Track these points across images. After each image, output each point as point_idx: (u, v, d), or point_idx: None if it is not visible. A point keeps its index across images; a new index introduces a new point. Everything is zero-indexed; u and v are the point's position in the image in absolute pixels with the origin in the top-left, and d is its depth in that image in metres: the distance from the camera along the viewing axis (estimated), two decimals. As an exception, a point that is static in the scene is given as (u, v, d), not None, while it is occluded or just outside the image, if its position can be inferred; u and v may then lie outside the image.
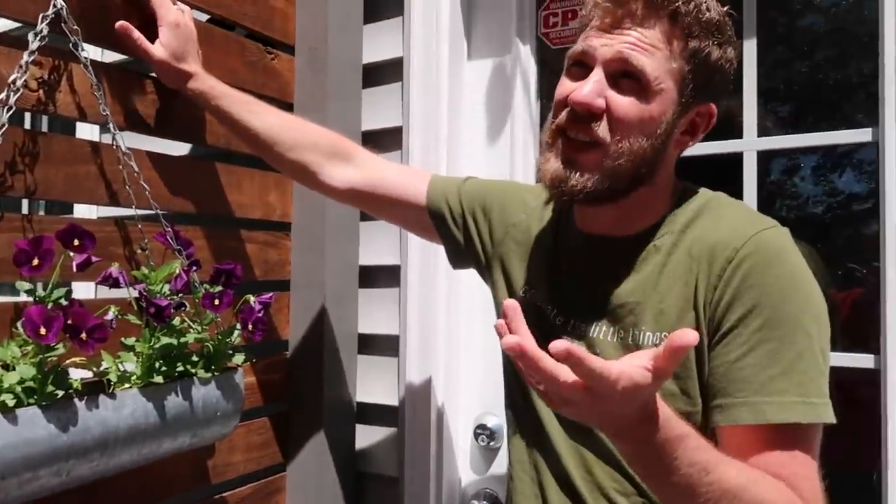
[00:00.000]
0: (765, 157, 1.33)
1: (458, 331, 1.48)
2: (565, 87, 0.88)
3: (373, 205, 1.20)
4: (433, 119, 1.44)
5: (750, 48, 1.31)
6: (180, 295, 0.99)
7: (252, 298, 1.11)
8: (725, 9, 0.88)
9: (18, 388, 0.84)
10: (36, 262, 0.85)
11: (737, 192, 1.29)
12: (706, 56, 0.85)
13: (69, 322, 0.85)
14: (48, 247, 0.86)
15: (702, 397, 0.84)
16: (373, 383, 1.53)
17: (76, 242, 0.89)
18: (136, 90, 1.16)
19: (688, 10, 0.83)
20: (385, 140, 1.52)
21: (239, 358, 1.09)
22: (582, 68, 0.87)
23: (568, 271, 0.98)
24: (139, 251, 1.08)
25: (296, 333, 1.48)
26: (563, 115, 0.87)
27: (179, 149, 1.48)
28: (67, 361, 0.95)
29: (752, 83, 1.30)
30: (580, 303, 0.94)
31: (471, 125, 1.51)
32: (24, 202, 1.95)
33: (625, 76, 0.84)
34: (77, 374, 0.95)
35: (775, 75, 1.40)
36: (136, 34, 1.09)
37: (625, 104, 0.84)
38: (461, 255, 1.15)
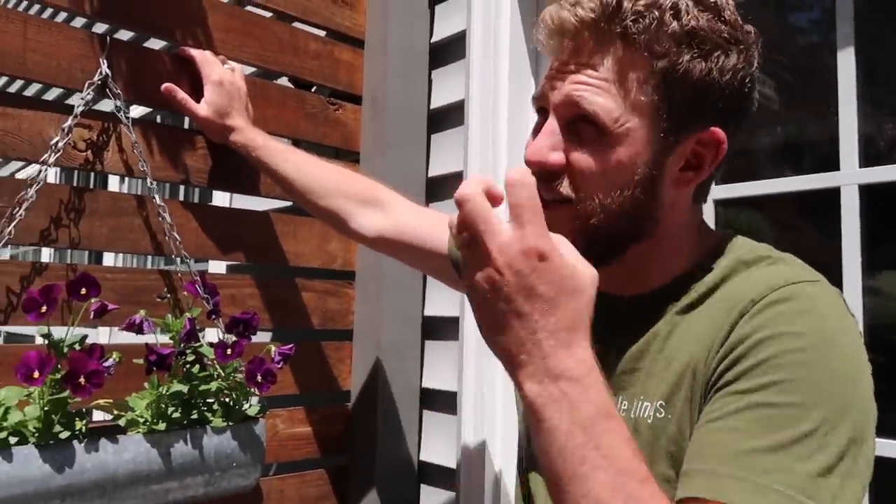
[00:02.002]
0: (871, 192, 1.07)
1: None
2: (527, 142, 0.77)
3: (402, 252, 1.15)
4: (490, 163, 1.37)
5: (846, 60, 1.09)
6: (182, 344, 1.00)
7: (273, 349, 1.10)
8: (722, 2, 0.71)
9: (31, 426, 0.89)
10: (44, 309, 0.90)
11: (835, 233, 1.07)
12: (683, 75, 0.68)
13: (70, 367, 0.89)
14: (55, 295, 0.91)
15: None
16: (436, 441, 1.46)
17: (83, 291, 0.94)
18: (186, 146, 1.22)
19: (643, 27, 0.68)
20: (448, 186, 1.48)
21: (253, 409, 1.08)
22: (543, 117, 0.76)
23: None
24: (158, 299, 1.12)
25: (357, 384, 1.46)
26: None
27: (265, 202, 1.54)
28: (93, 404, 1.00)
29: (851, 102, 1.07)
30: None
31: (539, 167, 1.42)
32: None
33: (581, 121, 0.71)
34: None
35: (881, 91, 1.15)
36: (181, 94, 1.16)
37: (582, 157, 0.71)
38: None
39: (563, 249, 0.58)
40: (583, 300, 0.57)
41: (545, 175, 0.72)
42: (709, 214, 1.23)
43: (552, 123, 0.73)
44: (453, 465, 1.39)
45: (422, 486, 1.46)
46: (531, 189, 0.56)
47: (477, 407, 1.34)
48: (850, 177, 1.07)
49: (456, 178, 1.45)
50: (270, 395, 1.31)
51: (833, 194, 1.09)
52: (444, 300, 1.46)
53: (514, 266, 0.55)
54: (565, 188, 0.72)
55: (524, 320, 0.56)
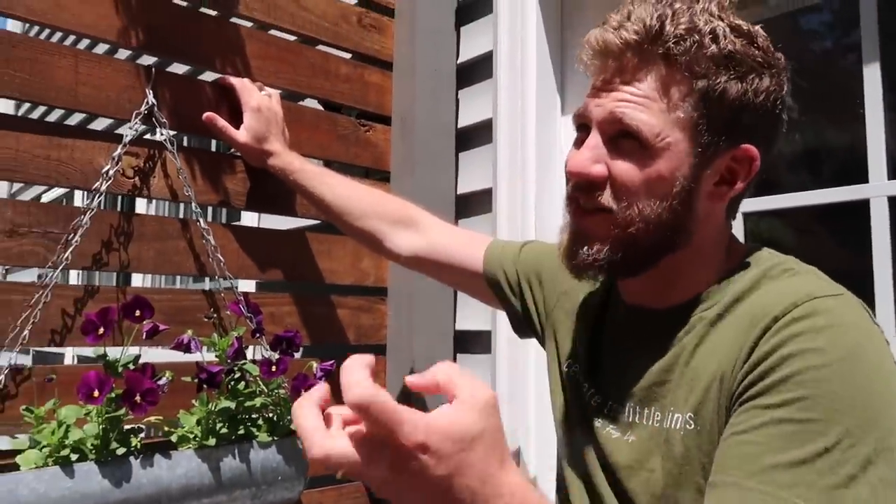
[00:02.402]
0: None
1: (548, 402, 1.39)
2: (569, 154, 0.80)
3: (435, 271, 1.18)
4: (519, 179, 1.40)
5: (872, 74, 1.11)
6: (230, 361, 1.04)
7: (315, 366, 1.14)
8: (755, 31, 0.75)
9: (89, 443, 0.93)
10: (101, 331, 0.95)
11: (866, 245, 1.08)
12: (721, 94, 0.72)
13: (126, 386, 0.93)
14: (112, 317, 0.95)
15: None
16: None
17: (137, 313, 0.98)
18: (227, 171, 1.27)
19: (684, 49, 0.72)
20: (477, 203, 1.51)
21: (297, 423, 1.11)
22: (585, 132, 0.79)
23: (610, 346, 0.88)
24: (205, 319, 1.17)
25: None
26: (570, 185, 0.80)
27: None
28: (145, 421, 1.04)
29: (878, 115, 1.09)
30: (617, 382, 0.83)
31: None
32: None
33: (623, 136, 0.75)
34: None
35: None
36: (221, 123, 1.21)
37: (625, 168, 0.74)
38: (521, 323, 1.08)
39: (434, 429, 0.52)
40: (476, 454, 0.52)
41: (586, 186, 0.76)
42: (737, 227, 1.25)
43: (595, 137, 0.76)
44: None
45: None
46: (378, 404, 0.50)
47: (511, 419, 1.37)
48: (879, 189, 1.09)
49: (486, 194, 1.49)
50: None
51: (864, 205, 1.11)
52: (475, 315, 1.49)
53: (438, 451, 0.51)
54: (606, 199, 0.76)
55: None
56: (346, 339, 1.43)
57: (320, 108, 1.55)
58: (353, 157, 1.47)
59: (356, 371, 0.53)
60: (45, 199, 5.19)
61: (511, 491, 0.54)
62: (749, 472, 0.62)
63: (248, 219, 2.27)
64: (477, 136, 1.54)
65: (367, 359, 0.54)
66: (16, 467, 0.89)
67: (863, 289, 1.07)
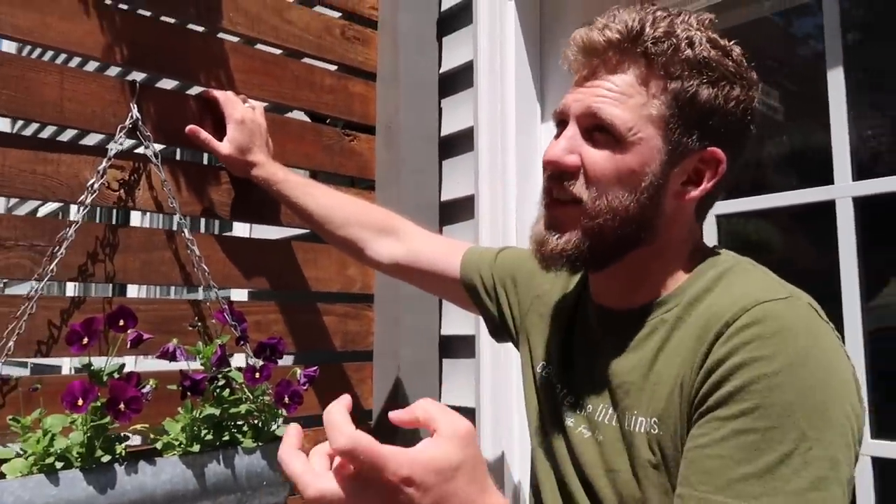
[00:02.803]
0: (866, 204, 1.11)
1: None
2: (547, 147, 0.83)
3: (416, 278, 1.21)
4: (500, 185, 1.42)
5: (836, 78, 1.13)
6: (214, 369, 1.06)
7: (298, 372, 1.16)
8: (730, 46, 0.79)
9: (74, 451, 0.95)
10: (85, 340, 0.97)
11: (831, 246, 1.10)
12: (692, 97, 0.76)
13: (111, 395, 0.96)
14: (96, 327, 0.98)
15: None
16: (457, 456, 1.50)
17: (121, 322, 1.00)
18: (212, 182, 1.29)
19: (661, 50, 0.76)
20: (461, 209, 1.54)
21: (281, 430, 1.13)
22: (563, 127, 0.82)
23: (581, 346, 0.90)
24: (189, 328, 1.19)
25: (379, 403, 1.51)
26: (545, 175, 0.83)
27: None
28: (130, 429, 1.06)
29: (842, 117, 1.12)
30: (587, 381, 0.86)
31: (547, 189, 1.47)
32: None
33: (598, 129, 0.78)
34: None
35: (869, 106, 1.20)
36: (204, 135, 1.23)
37: (598, 158, 0.78)
38: (497, 327, 1.11)
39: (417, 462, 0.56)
40: (458, 483, 0.57)
41: (559, 175, 0.80)
42: (710, 229, 1.28)
43: (572, 129, 0.80)
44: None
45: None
46: (362, 447, 0.55)
47: (494, 422, 1.38)
48: (844, 190, 1.11)
49: (469, 200, 1.51)
50: (296, 416, 1.37)
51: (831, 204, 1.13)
52: (459, 320, 1.51)
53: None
54: (578, 188, 0.79)
55: None
56: (334, 346, 1.46)
57: (307, 119, 1.57)
58: (338, 166, 1.49)
59: (337, 417, 0.57)
60: (42, 212, 5.21)
61: None
62: (716, 487, 0.65)
63: (240, 229, 2.30)
64: (460, 143, 1.56)
65: (345, 401, 0.60)
66: (1, 476, 0.91)
67: (831, 287, 1.10)
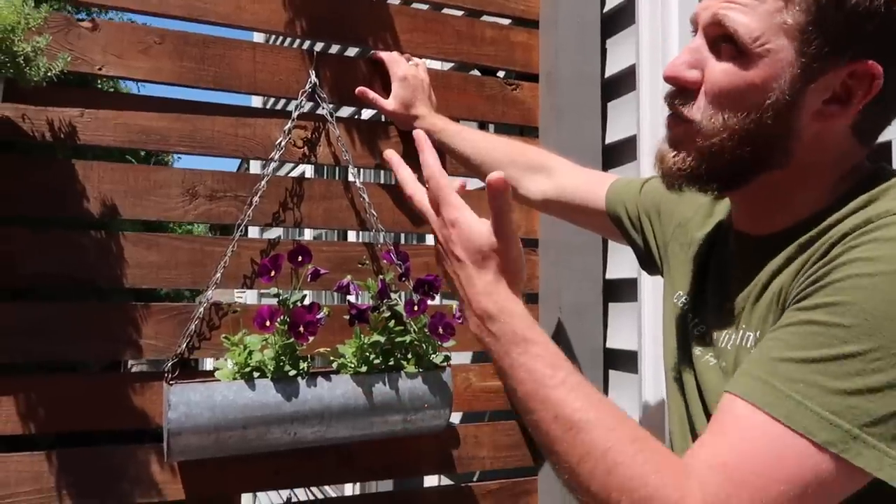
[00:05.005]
0: None
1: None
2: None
3: (565, 212, 1.23)
4: (660, 124, 1.37)
5: None
6: (375, 300, 1.20)
7: (455, 306, 1.26)
8: None
9: (269, 365, 1.15)
10: (272, 273, 1.16)
11: None
12: (838, 1, 0.66)
13: (292, 319, 1.13)
14: (280, 262, 1.16)
15: None
16: (622, 402, 1.51)
17: (300, 258, 1.17)
18: (381, 136, 1.43)
19: None
20: (623, 151, 1.51)
21: (438, 357, 1.25)
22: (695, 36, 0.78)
23: (715, 275, 0.87)
24: (360, 266, 1.33)
25: (544, 344, 1.56)
26: (667, 91, 0.79)
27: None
28: (315, 351, 1.25)
29: None
30: (715, 309, 0.83)
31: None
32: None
33: (724, 40, 0.72)
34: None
35: None
36: (371, 94, 1.36)
37: (718, 72, 0.72)
38: (644, 259, 1.10)
39: (467, 216, 0.75)
40: (490, 260, 0.73)
41: (681, 91, 0.76)
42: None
43: (697, 41, 0.75)
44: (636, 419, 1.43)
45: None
46: (436, 179, 0.77)
47: (656, 366, 1.37)
48: None
49: (631, 141, 1.48)
50: (464, 350, 1.48)
51: None
52: (625, 263, 1.50)
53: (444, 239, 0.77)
54: (697, 104, 0.74)
55: (452, 279, 0.78)
56: (498, 288, 1.53)
57: (476, 73, 1.64)
58: (501, 115, 1.55)
59: (430, 155, 0.79)
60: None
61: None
62: (758, 363, 0.63)
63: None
64: (625, 84, 1.53)
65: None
66: (217, 380, 1.14)
67: None
